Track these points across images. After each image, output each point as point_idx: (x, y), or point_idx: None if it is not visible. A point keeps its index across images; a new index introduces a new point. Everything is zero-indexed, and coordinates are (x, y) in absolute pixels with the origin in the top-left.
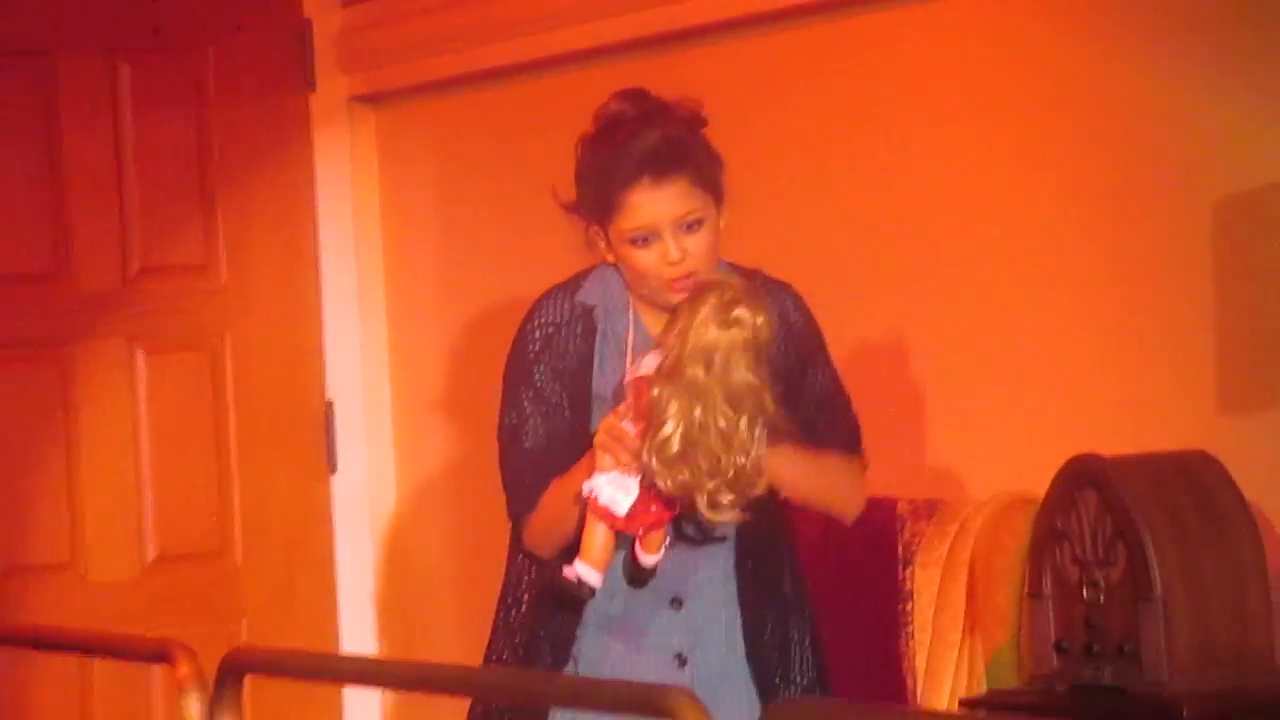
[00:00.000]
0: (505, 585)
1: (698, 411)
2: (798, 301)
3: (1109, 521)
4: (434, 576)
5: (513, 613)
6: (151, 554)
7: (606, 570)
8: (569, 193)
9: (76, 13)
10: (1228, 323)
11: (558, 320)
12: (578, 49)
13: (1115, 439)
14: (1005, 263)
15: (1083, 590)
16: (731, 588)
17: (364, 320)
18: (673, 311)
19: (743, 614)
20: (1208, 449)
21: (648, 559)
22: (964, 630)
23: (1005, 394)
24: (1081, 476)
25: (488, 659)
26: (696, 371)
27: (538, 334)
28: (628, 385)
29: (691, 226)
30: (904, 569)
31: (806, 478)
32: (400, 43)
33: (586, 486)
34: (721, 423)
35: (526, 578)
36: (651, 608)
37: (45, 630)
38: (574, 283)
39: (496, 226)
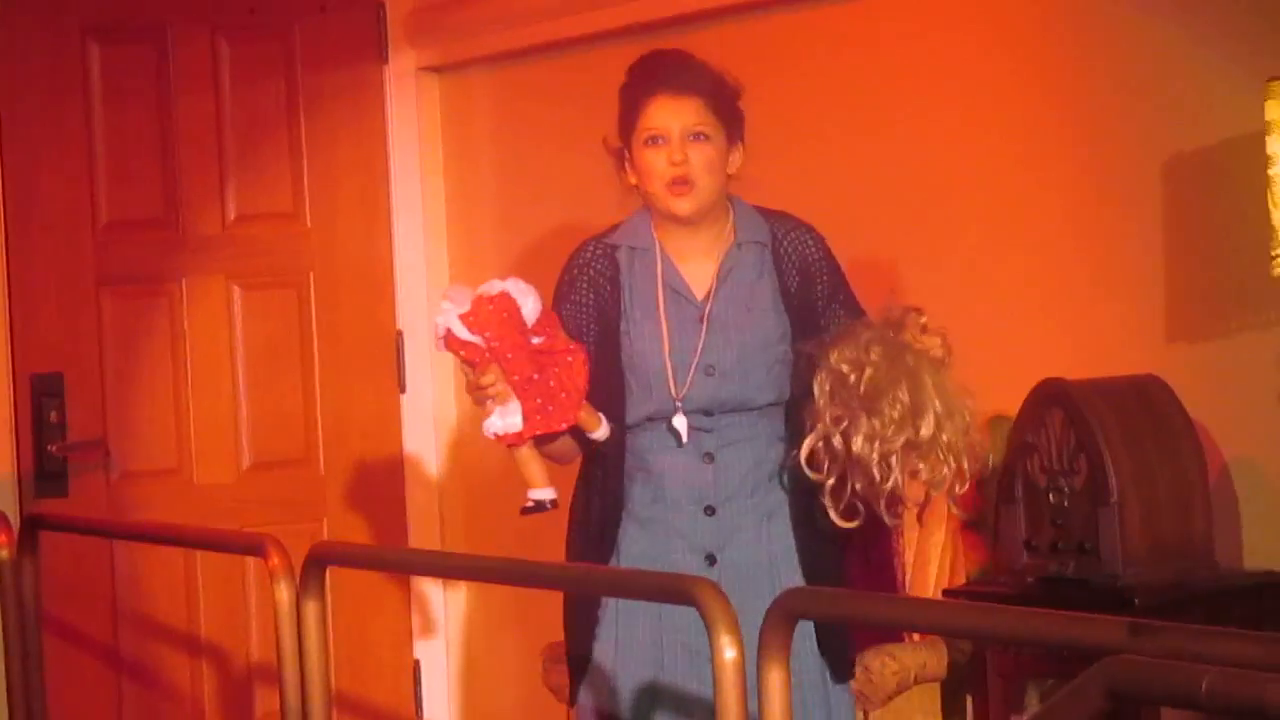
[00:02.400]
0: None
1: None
2: (820, 239)
3: (1072, 436)
4: (490, 482)
5: (577, 511)
6: (247, 461)
7: (547, 483)
8: (615, 140)
9: None
10: (1175, 266)
11: (582, 263)
12: (616, 27)
13: (1078, 365)
14: (986, 215)
15: (1049, 496)
16: (765, 499)
17: (430, 259)
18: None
19: (794, 522)
20: (1157, 374)
21: (596, 434)
22: (947, 531)
23: (984, 325)
24: (1049, 397)
25: (568, 544)
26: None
27: (565, 277)
28: (447, 347)
29: (698, 137)
30: None
31: None
32: (461, 22)
33: (487, 433)
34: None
35: (582, 483)
36: (689, 513)
37: (157, 526)
38: (606, 231)
39: (544, 177)
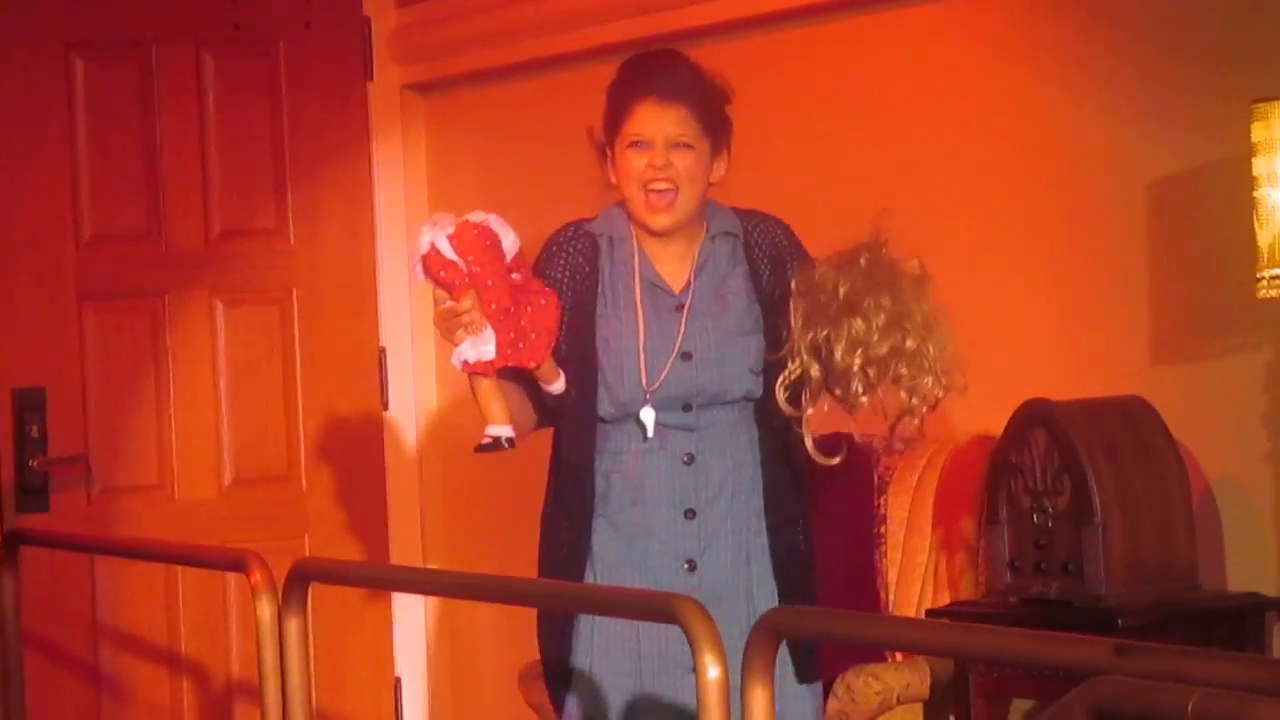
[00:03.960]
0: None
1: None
2: (789, 229)
3: (1056, 457)
4: (471, 498)
5: (548, 517)
6: (229, 477)
7: (510, 419)
8: (599, 134)
9: (169, 10)
10: (1160, 287)
11: (561, 241)
12: (601, 44)
13: (1063, 386)
14: (971, 234)
15: (1033, 516)
16: (746, 504)
17: (412, 278)
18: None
19: (769, 528)
20: (1142, 395)
21: (553, 387)
22: (930, 550)
23: (969, 345)
24: (1033, 418)
25: (540, 557)
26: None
27: (542, 255)
28: (425, 270)
29: (680, 147)
30: (879, 497)
31: None
32: (447, 40)
33: (455, 362)
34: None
35: (554, 483)
36: (668, 517)
37: (138, 542)
38: (584, 220)
39: (528, 197)
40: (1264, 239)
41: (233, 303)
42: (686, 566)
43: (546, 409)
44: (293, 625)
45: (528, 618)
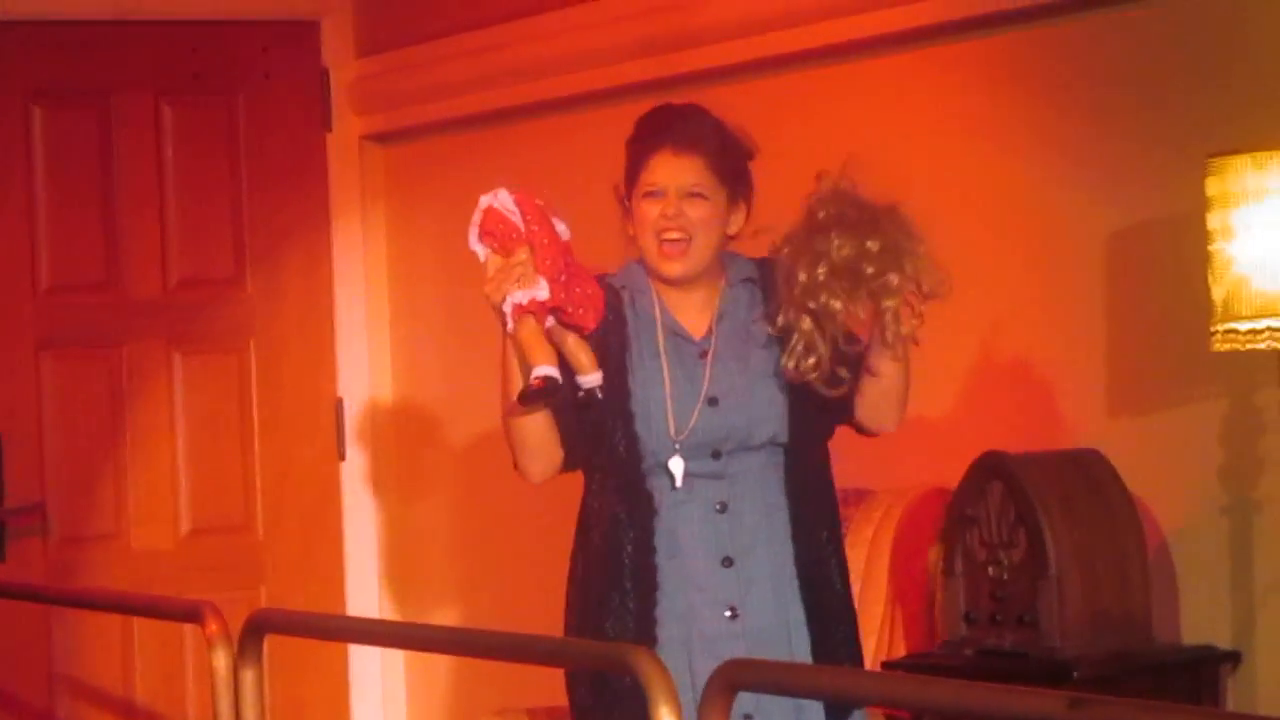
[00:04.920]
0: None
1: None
2: None
3: (1012, 509)
4: (429, 550)
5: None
6: (186, 527)
7: (555, 361)
8: (622, 189)
9: (128, 59)
10: (1115, 341)
11: None
12: (558, 97)
13: (1019, 438)
14: None
15: (989, 568)
16: (781, 549)
17: (370, 328)
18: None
19: (799, 572)
20: (1097, 448)
21: (588, 379)
22: (886, 602)
23: (926, 398)
24: (989, 470)
25: (580, 627)
26: None
27: None
28: (482, 227)
29: (694, 197)
30: None
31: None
32: (406, 90)
33: (506, 308)
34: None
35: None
36: (708, 567)
37: (94, 592)
38: (605, 273)
39: None
40: (1218, 293)
41: (190, 352)
42: (729, 614)
43: (574, 452)
44: (248, 676)
45: (483, 667)
